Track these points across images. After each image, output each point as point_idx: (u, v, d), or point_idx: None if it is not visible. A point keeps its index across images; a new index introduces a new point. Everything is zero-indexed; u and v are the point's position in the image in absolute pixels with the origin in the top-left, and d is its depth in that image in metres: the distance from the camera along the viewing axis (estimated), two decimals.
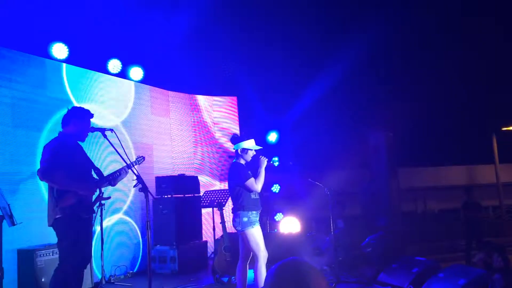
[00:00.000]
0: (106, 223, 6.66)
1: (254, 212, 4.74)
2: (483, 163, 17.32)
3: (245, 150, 4.86)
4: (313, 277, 1.68)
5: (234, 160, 4.93)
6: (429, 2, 9.95)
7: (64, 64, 6.47)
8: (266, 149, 5.05)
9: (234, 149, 4.93)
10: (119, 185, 4.77)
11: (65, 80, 6.49)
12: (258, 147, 4.94)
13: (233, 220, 4.78)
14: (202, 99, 9.25)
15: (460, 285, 4.59)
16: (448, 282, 4.77)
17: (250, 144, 4.88)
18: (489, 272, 5.08)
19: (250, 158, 4.91)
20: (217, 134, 9.35)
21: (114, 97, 7.34)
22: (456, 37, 11.46)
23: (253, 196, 4.79)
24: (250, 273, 4.91)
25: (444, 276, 4.92)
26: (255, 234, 4.70)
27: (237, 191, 4.76)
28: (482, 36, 11.14)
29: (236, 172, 4.82)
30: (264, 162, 4.89)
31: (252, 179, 4.75)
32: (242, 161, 4.90)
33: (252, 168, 4.90)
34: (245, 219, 4.69)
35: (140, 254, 7.47)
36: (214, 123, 9.36)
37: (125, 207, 7.26)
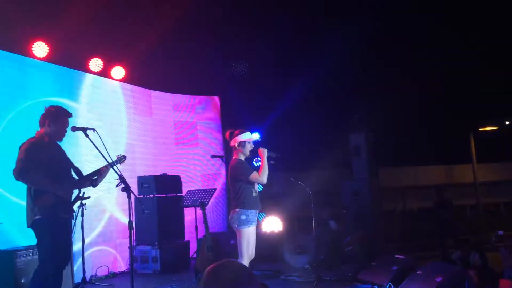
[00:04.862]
0: (90, 222, 6.60)
1: (253, 211, 4.62)
2: (461, 163, 17.67)
3: (242, 143, 4.71)
4: (246, 279, 1.72)
5: (233, 157, 4.77)
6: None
7: (44, 63, 6.39)
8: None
9: (231, 145, 4.79)
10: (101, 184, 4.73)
11: (45, 78, 6.40)
12: (255, 138, 4.81)
13: (231, 217, 4.65)
14: (184, 99, 9.23)
15: (437, 282, 4.69)
16: (426, 279, 4.87)
17: (247, 136, 4.75)
18: (466, 269, 5.22)
19: (249, 152, 4.77)
20: (199, 134, 9.35)
21: (95, 96, 7.28)
22: (435, 36, 11.67)
23: (254, 194, 4.68)
24: None
25: (422, 273, 5.03)
26: (250, 234, 4.58)
27: (238, 187, 4.62)
28: (462, 35, 11.38)
29: (237, 168, 4.67)
30: (265, 152, 4.74)
31: (256, 172, 4.64)
32: (242, 157, 4.75)
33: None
34: (243, 217, 4.56)
35: (122, 254, 7.42)
36: (196, 122, 9.35)
37: (107, 207, 7.21)
